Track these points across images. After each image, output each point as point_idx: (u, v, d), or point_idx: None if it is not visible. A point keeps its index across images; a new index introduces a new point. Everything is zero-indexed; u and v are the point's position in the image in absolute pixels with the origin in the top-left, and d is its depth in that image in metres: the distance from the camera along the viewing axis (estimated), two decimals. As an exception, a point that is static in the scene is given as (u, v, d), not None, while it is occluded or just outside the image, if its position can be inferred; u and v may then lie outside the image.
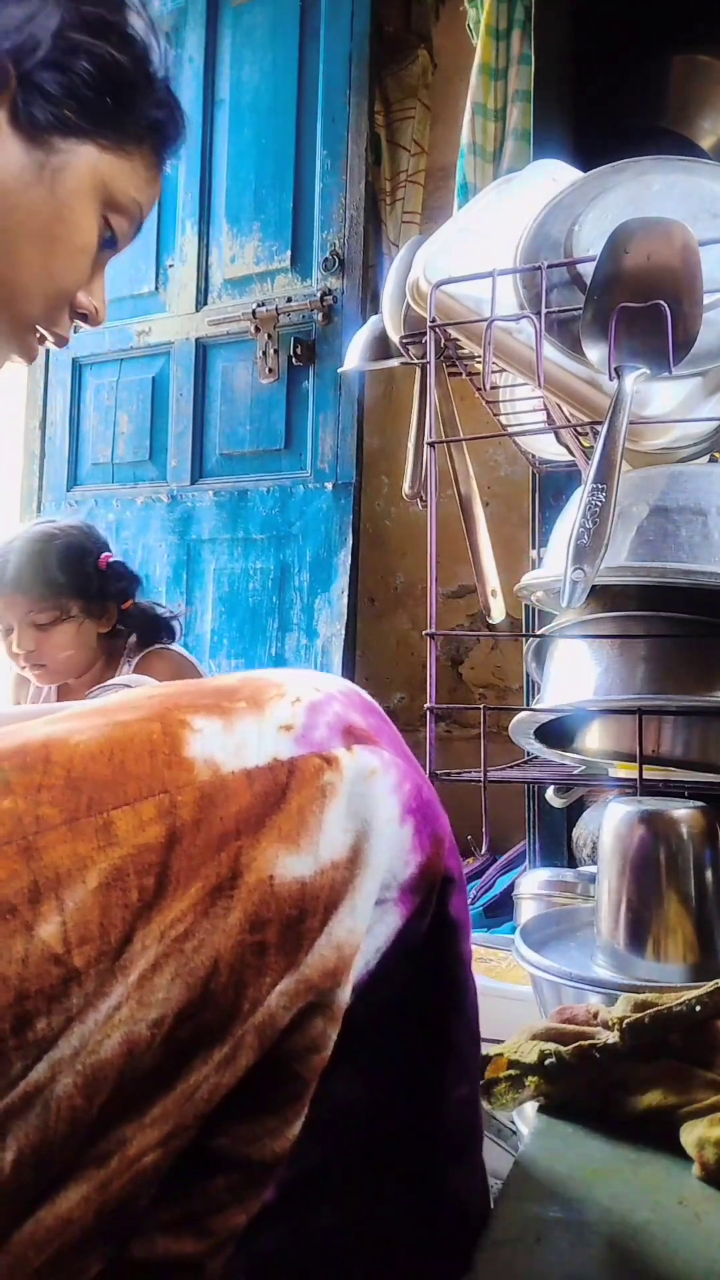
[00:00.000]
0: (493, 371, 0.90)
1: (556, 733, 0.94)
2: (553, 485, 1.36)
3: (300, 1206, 0.47)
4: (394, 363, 1.11)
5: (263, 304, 2.26)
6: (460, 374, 1.07)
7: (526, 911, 1.10)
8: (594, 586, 0.70)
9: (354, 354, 1.15)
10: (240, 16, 2.40)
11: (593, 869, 0.96)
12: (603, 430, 0.73)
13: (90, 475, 2.59)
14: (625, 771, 0.91)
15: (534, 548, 1.37)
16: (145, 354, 2.50)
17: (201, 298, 2.43)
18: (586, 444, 0.95)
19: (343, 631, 2.14)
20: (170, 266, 2.48)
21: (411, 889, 0.46)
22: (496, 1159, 0.69)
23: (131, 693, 0.45)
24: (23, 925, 0.35)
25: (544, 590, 0.89)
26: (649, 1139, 0.55)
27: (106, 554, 1.63)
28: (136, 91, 0.63)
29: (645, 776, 0.79)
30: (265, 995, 0.39)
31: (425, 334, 0.90)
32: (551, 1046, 0.58)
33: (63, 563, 1.56)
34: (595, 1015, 0.62)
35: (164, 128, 0.66)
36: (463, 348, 0.98)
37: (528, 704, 1.01)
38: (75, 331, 0.69)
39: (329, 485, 2.20)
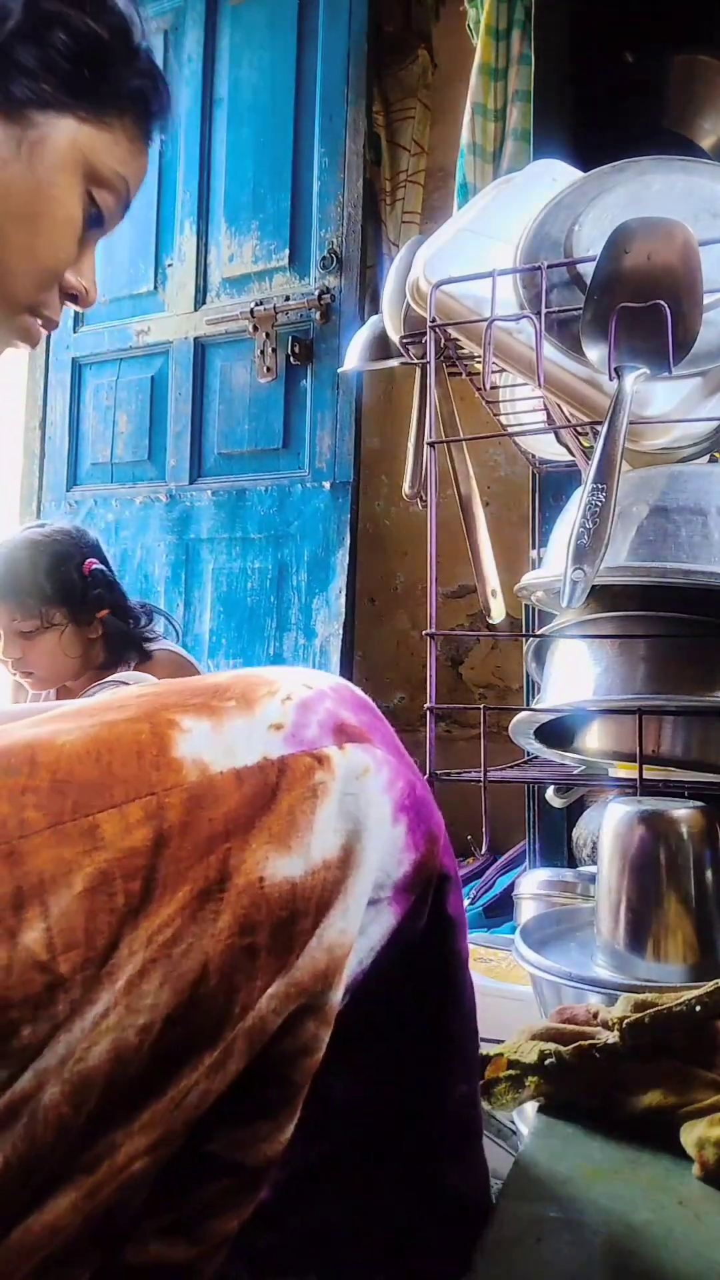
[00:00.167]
0: (493, 371, 0.90)
1: (556, 733, 0.94)
2: (553, 485, 1.36)
3: (300, 1205, 0.47)
4: (394, 363, 1.11)
5: (261, 303, 2.26)
6: (460, 374, 1.07)
7: (526, 911, 1.10)
8: (594, 586, 0.70)
9: (354, 354, 1.15)
10: (238, 16, 2.40)
11: (593, 869, 0.96)
12: (603, 430, 0.73)
13: (89, 475, 2.59)
14: (625, 771, 0.91)
15: (534, 548, 1.37)
16: (144, 354, 2.50)
17: (200, 297, 2.43)
18: (586, 444, 0.95)
19: (341, 631, 2.13)
20: (169, 266, 2.48)
21: (406, 888, 0.45)
22: (496, 1159, 0.69)
23: (120, 692, 0.45)
24: (5, 932, 0.34)
25: (544, 590, 0.89)
26: (649, 1139, 0.55)
27: (90, 560, 1.61)
28: (115, 61, 0.61)
29: (645, 776, 0.79)
30: (256, 999, 0.39)
31: (425, 334, 0.90)
32: (551, 1046, 0.58)
33: (44, 570, 1.55)
34: (595, 1015, 0.62)
35: (146, 98, 0.63)
36: (463, 348, 0.98)
37: (528, 704, 1.01)
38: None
39: (326, 484, 2.20)
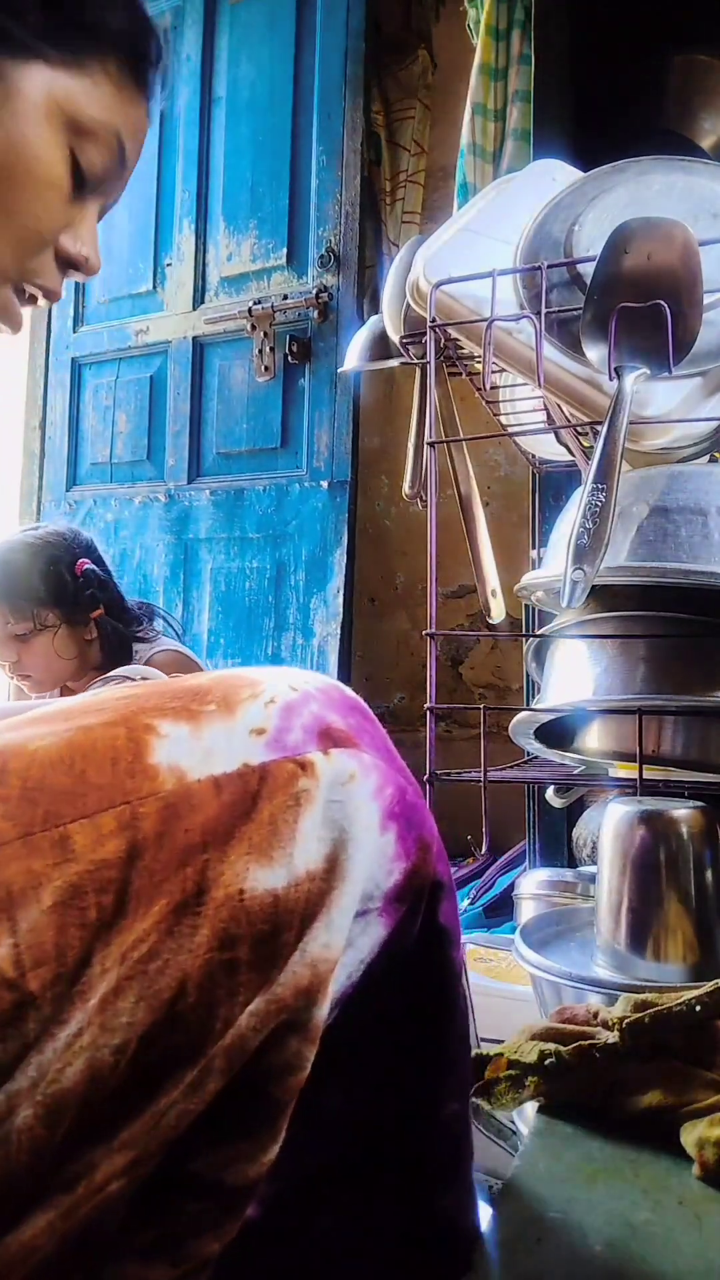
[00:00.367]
0: (493, 371, 0.90)
1: (556, 733, 0.94)
2: (553, 485, 1.36)
3: (288, 1223, 0.46)
4: (394, 363, 1.11)
5: (259, 302, 2.26)
6: (460, 374, 1.07)
7: (526, 911, 1.10)
8: (594, 586, 0.70)
9: (354, 354, 1.14)
10: (237, 14, 2.40)
11: (593, 869, 0.96)
12: (603, 430, 0.73)
13: (89, 475, 2.59)
14: (625, 771, 0.91)
15: (534, 548, 1.37)
16: (143, 353, 2.50)
17: (199, 296, 2.43)
18: (586, 444, 0.95)
19: (339, 631, 2.13)
20: (168, 265, 2.48)
21: (396, 898, 0.44)
22: (496, 1159, 0.69)
23: (101, 693, 0.43)
24: None
25: (544, 590, 0.89)
26: (649, 1139, 0.55)
27: (82, 560, 1.60)
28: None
29: (645, 776, 0.79)
30: (236, 1016, 0.37)
31: (425, 334, 0.90)
32: (551, 1046, 0.58)
33: (37, 572, 1.55)
34: (595, 1015, 0.61)
35: (129, 38, 0.57)
36: (463, 348, 0.98)
37: (528, 704, 1.01)
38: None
39: (324, 484, 2.20)
